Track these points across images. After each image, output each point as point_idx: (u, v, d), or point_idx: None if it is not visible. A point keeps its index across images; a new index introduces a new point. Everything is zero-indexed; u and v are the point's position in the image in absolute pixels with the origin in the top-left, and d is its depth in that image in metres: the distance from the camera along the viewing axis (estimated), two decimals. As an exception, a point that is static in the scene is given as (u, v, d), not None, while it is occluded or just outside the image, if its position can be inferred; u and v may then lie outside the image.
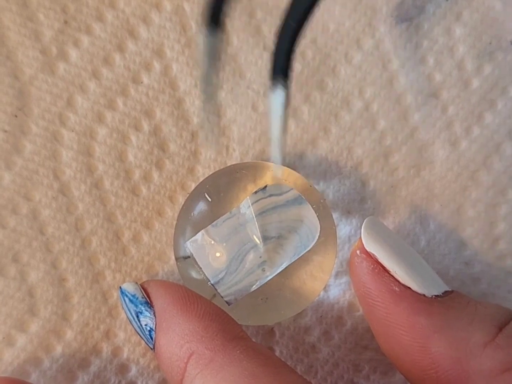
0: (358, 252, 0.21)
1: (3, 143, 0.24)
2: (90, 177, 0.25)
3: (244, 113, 0.26)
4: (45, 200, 0.24)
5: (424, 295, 0.20)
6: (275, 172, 0.23)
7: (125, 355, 0.24)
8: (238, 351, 0.19)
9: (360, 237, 0.21)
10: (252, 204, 0.22)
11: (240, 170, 0.24)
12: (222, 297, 0.22)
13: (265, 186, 0.23)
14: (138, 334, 0.21)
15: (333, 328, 0.25)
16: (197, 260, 0.23)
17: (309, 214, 0.23)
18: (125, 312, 0.22)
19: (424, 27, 0.26)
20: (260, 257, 0.22)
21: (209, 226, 0.23)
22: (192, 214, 0.23)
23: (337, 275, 0.25)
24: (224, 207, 0.23)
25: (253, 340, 0.25)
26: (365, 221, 0.21)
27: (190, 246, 0.23)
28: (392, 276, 0.20)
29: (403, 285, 0.20)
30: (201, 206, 0.23)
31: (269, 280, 0.22)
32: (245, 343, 0.20)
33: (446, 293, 0.20)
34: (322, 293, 0.25)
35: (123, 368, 0.24)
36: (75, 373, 0.24)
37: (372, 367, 0.25)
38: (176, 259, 0.24)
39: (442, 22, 0.26)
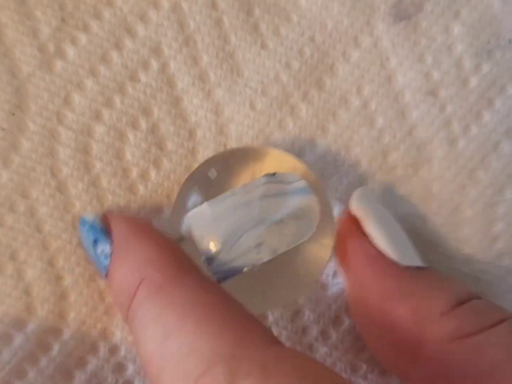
0: (346, 211, 0.23)
1: (0, 141, 0.24)
2: (88, 175, 0.25)
3: (242, 112, 0.26)
4: (42, 198, 0.24)
5: (396, 262, 0.21)
6: None
7: (122, 354, 0.24)
8: (190, 281, 0.19)
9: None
10: (258, 186, 0.22)
11: (247, 152, 0.23)
12: (213, 274, 0.22)
13: (274, 173, 0.23)
14: (92, 263, 0.22)
15: (331, 327, 0.25)
16: (193, 233, 0.22)
17: (314, 206, 0.23)
18: (82, 241, 0.22)
19: (422, 25, 0.26)
20: (257, 239, 0.22)
21: (210, 200, 0.22)
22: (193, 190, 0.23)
23: (334, 274, 0.25)
24: (228, 185, 0.23)
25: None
26: (358, 188, 0.23)
27: (188, 218, 0.22)
28: (370, 241, 0.22)
29: (378, 250, 0.21)
30: (205, 181, 0.23)
31: (263, 264, 0.22)
32: (199, 275, 0.19)
33: (419, 267, 0.22)
34: (319, 292, 0.25)
35: (120, 367, 0.24)
36: (72, 372, 0.24)
37: (370, 366, 0.25)
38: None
39: (440, 20, 0.26)
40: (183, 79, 0.25)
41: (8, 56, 0.24)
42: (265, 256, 0.22)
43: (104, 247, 0.21)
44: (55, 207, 0.24)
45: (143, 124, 0.25)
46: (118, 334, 0.24)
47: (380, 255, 0.21)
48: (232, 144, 0.26)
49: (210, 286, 0.19)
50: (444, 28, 0.26)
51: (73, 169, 0.25)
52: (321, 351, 0.25)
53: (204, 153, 0.25)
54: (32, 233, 0.24)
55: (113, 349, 0.24)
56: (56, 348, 0.24)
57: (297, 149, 0.26)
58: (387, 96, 0.26)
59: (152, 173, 0.25)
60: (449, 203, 0.26)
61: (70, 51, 0.25)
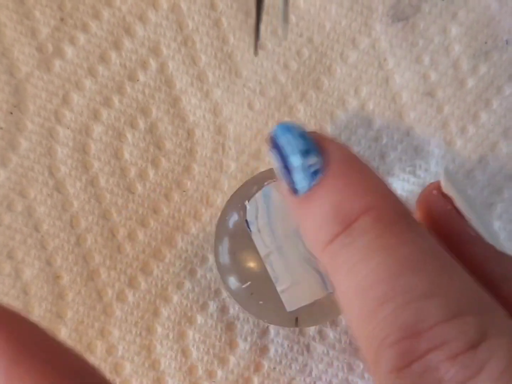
0: (434, 192, 0.20)
1: (-2, 140, 0.24)
2: (86, 174, 0.25)
3: (240, 112, 0.26)
4: (40, 197, 0.24)
5: (494, 247, 0.19)
6: None
7: (119, 353, 0.24)
8: (419, 227, 0.17)
9: (439, 180, 0.20)
10: None
11: (268, 180, 0.23)
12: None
13: None
14: (286, 175, 0.18)
15: (328, 326, 0.25)
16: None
17: None
18: (282, 148, 0.18)
19: (420, 26, 0.26)
20: None
21: None
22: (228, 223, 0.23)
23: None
24: None
25: (248, 339, 0.25)
26: (445, 167, 0.21)
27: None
28: (467, 221, 0.19)
29: (478, 232, 0.19)
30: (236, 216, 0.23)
31: None
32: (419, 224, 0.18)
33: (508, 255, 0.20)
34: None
35: (117, 367, 0.24)
36: (69, 371, 0.24)
37: (367, 365, 0.25)
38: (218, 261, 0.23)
39: (438, 21, 0.26)
40: (182, 79, 0.25)
41: (6, 55, 0.24)
42: None
43: (315, 161, 0.17)
44: (53, 206, 0.24)
45: (141, 123, 0.25)
46: (115, 333, 0.24)
47: (480, 237, 0.19)
48: (231, 144, 0.26)
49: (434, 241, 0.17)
50: (441, 29, 0.26)
51: (71, 168, 0.25)
52: (319, 350, 0.25)
53: (202, 152, 0.25)
54: (30, 232, 0.24)
55: (111, 349, 0.24)
56: (53, 347, 0.24)
57: (295, 149, 0.26)
58: (384, 97, 0.26)
59: (150, 173, 0.25)
60: (446, 204, 0.26)
61: (69, 51, 0.25)
